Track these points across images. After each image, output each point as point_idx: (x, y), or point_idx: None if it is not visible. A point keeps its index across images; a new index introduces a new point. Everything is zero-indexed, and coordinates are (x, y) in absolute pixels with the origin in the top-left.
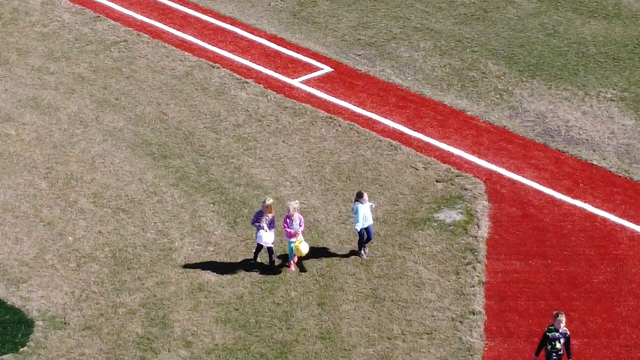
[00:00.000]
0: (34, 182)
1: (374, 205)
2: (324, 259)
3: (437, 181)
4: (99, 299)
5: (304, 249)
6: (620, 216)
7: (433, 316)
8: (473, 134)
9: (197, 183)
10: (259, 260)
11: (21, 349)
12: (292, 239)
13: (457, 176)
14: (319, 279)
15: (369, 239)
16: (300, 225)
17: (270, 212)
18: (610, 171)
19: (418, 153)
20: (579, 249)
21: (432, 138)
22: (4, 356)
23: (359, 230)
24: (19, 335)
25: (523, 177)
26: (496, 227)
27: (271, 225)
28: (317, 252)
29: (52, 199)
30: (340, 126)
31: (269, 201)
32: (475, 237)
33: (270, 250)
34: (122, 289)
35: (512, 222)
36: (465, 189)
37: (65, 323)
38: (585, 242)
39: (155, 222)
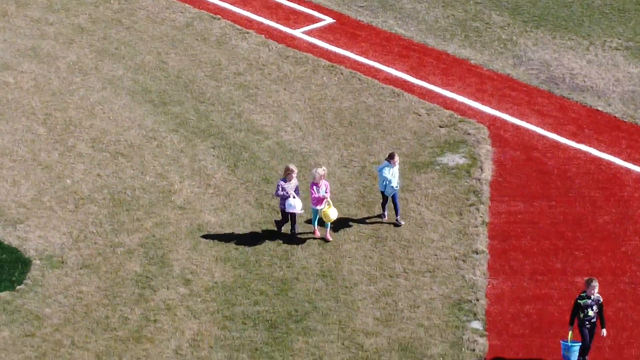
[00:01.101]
0: (32, 128)
1: (398, 187)
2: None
3: (440, 126)
4: (97, 239)
5: (333, 214)
6: (626, 159)
7: (435, 255)
8: (476, 81)
9: (197, 128)
10: (282, 230)
11: (18, 287)
12: (318, 206)
13: (460, 121)
14: (320, 220)
15: (394, 204)
16: (326, 192)
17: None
18: (615, 117)
19: (421, 100)
20: (584, 191)
21: (435, 85)
22: (0, 294)
23: (381, 190)
24: (16, 273)
25: (527, 122)
26: (500, 170)
27: (297, 192)
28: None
29: (50, 144)
30: (342, 74)
31: (324, 171)
32: (479, 179)
33: (295, 218)
34: (120, 229)
35: (516, 166)
36: (469, 134)
37: (62, 262)
38: (590, 184)
39: (154, 166)
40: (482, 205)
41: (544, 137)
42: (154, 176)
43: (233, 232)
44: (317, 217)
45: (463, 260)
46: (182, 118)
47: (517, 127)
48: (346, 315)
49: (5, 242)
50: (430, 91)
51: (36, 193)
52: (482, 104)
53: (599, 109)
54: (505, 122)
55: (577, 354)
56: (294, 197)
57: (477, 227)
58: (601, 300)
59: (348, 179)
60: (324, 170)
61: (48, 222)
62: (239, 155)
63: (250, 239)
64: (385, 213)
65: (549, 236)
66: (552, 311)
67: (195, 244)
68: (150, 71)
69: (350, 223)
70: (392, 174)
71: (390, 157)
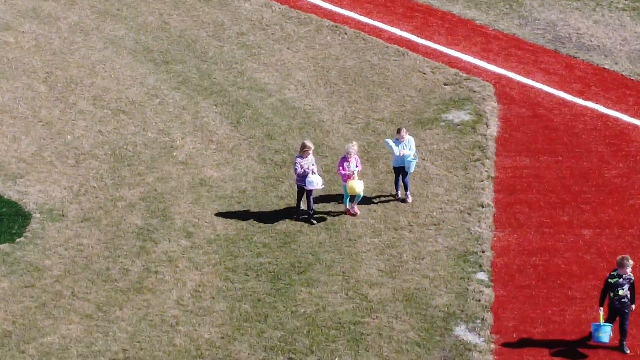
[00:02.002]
0: (33, 86)
1: (415, 158)
2: (329, 157)
3: (445, 84)
4: (97, 193)
5: (359, 187)
6: (633, 116)
7: (441, 208)
8: (482, 41)
9: (200, 86)
10: (302, 207)
11: (17, 239)
12: (348, 183)
13: (465, 79)
14: (324, 175)
15: (404, 181)
16: (357, 166)
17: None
18: (622, 75)
19: (425, 59)
20: (591, 146)
21: (440, 45)
22: (0, 245)
23: (393, 166)
24: (16, 226)
25: (533, 80)
26: (505, 127)
27: (314, 166)
28: (322, 150)
29: (50, 101)
30: (346, 34)
31: (355, 146)
32: (484, 135)
33: (311, 196)
34: (121, 184)
35: (522, 122)
36: (474, 91)
37: (62, 215)
38: (597, 140)
39: (156, 122)
40: (487, 160)
41: (550, 94)
42: (155, 132)
43: (236, 187)
44: (349, 194)
45: (468, 214)
46: (184, 76)
47: (523, 85)
48: (350, 267)
49: (5, 196)
50: (435, 50)
51: (36, 149)
52: (488, 63)
53: (606, 67)
54: (511, 80)
55: (609, 334)
56: (313, 173)
57: (482, 181)
58: (633, 279)
59: (352, 135)
60: (355, 145)
61: (48, 176)
62: (241, 112)
63: (253, 193)
64: (399, 192)
65: (555, 190)
66: (559, 263)
67: (198, 198)
68: (152, 31)
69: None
70: (406, 148)
71: (397, 132)
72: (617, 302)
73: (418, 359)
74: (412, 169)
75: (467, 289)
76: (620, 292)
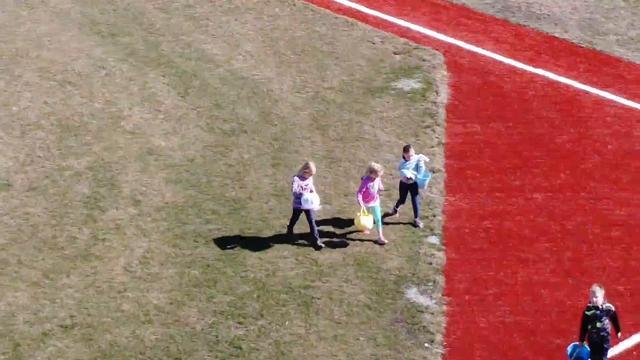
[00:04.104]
0: None
1: (426, 160)
2: (278, 125)
3: (394, 53)
4: (44, 163)
5: (369, 223)
6: (584, 82)
7: (391, 174)
8: (431, 10)
9: (147, 58)
10: (321, 244)
11: None
12: (371, 203)
13: (415, 48)
14: (273, 143)
15: (413, 203)
16: (380, 189)
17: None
18: (572, 42)
19: (375, 29)
20: (542, 113)
21: (389, 15)
22: None
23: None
24: None
25: (483, 49)
26: (456, 94)
27: (312, 189)
28: (270, 118)
29: None
30: (294, 5)
31: (376, 166)
32: (435, 102)
33: (311, 217)
34: (68, 153)
35: (472, 90)
36: (424, 60)
37: (8, 185)
38: (548, 106)
39: (103, 93)
40: (438, 127)
41: (500, 62)
42: (102, 103)
43: (184, 155)
44: (378, 217)
45: None
46: (131, 48)
47: (473, 54)
48: (300, 232)
49: None
50: (385, 20)
51: None
52: (437, 32)
53: (556, 35)
54: (460, 49)
55: None
56: (310, 192)
57: (433, 147)
58: (613, 309)
59: (301, 104)
60: (381, 166)
61: None
62: (189, 82)
63: (202, 162)
64: (398, 210)
65: (506, 155)
66: (510, 226)
67: (145, 167)
68: (98, 4)
69: (304, 144)
70: (411, 168)
71: (405, 150)
72: (595, 336)
73: (369, 322)
74: (425, 186)
75: (419, 253)
76: (598, 325)
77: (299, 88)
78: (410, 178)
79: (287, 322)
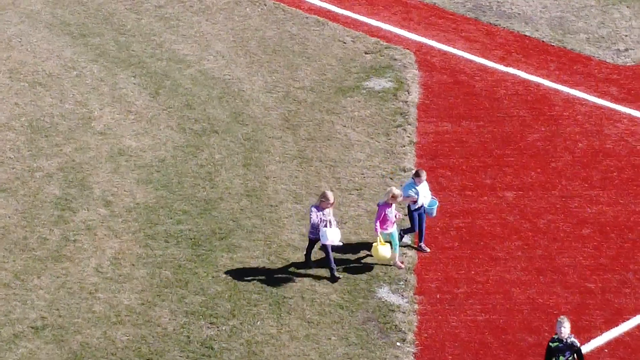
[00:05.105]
0: None
1: (400, 216)
2: (249, 124)
3: (365, 53)
4: (14, 164)
5: (387, 252)
6: (555, 81)
7: (362, 174)
8: (402, 10)
9: (118, 59)
10: (339, 275)
11: None
12: (389, 229)
13: (386, 48)
14: (244, 143)
15: (420, 227)
16: (396, 217)
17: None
18: (543, 41)
19: (346, 28)
20: (513, 111)
21: (360, 15)
22: None
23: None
24: None
25: (454, 48)
26: (427, 93)
27: (332, 221)
28: (241, 118)
29: None
30: (265, 5)
31: (397, 191)
32: (406, 102)
33: (329, 249)
34: (39, 154)
35: (443, 89)
36: (395, 59)
37: None
38: (518, 104)
39: (73, 94)
40: (409, 126)
41: (471, 61)
42: (73, 104)
43: (155, 156)
44: (395, 242)
45: (390, 178)
46: (101, 49)
47: (444, 53)
48: (272, 232)
49: None
50: (356, 20)
51: None
52: (409, 32)
53: (527, 34)
54: (432, 48)
55: None
56: (328, 227)
57: (404, 146)
58: (577, 344)
59: (272, 104)
60: (399, 191)
61: None
62: (160, 83)
63: (173, 162)
64: (423, 244)
65: (477, 154)
66: (482, 224)
67: (116, 168)
68: (68, 5)
69: (275, 144)
70: (422, 194)
71: (416, 175)
72: None
73: (341, 321)
74: (434, 213)
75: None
76: (562, 359)
77: (270, 88)
78: (415, 201)
79: (258, 322)
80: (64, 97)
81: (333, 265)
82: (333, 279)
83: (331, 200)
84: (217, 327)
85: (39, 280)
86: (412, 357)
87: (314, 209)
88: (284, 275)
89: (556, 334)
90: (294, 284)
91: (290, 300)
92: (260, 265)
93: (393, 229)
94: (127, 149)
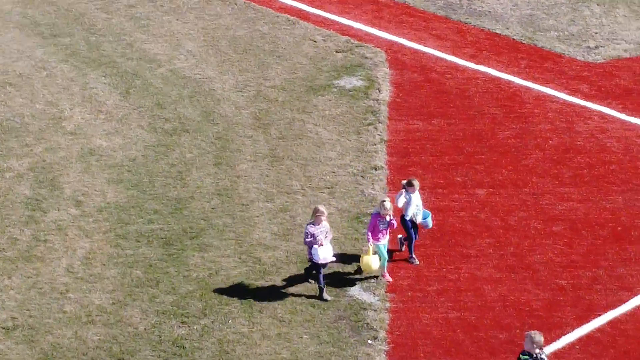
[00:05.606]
0: None
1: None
2: (220, 124)
3: (336, 51)
4: None
5: (375, 263)
6: (525, 78)
7: (334, 172)
8: (373, 9)
9: (88, 58)
10: (328, 297)
11: None
12: (381, 240)
13: (357, 46)
14: (215, 142)
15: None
16: (389, 226)
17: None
18: (513, 39)
19: (317, 27)
20: (484, 109)
21: (331, 13)
22: None
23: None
24: None
25: (425, 46)
26: (398, 92)
27: (328, 235)
28: (212, 117)
29: None
30: (236, 4)
31: (389, 204)
32: (377, 100)
33: (321, 268)
34: (9, 155)
35: (414, 87)
36: (366, 58)
37: None
38: (489, 102)
39: (44, 94)
40: (380, 124)
41: (442, 59)
42: (43, 104)
43: (126, 155)
44: (384, 255)
45: (362, 177)
46: (72, 49)
47: (415, 51)
48: (243, 231)
49: None
50: (326, 19)
51: None
52: (380, 30)
53: (497, 32)
54: (402, 46)
55: None
56: (321, 245)
57: (375, 145)
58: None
59: (243, 103)
60: (391, 204)
61: None
62: (131, 82)
63: (144, 161)
64: (414, 256)
65: (448, 152)
66: (453, 222)
67: (87, 167)
68: (39, 5)
69: (246, 143)
70: (414, 204)
71: (409, 184)
72: None
73: (313, 320)
74: (429, 225)
75: (362, 250)
76: None
77: (241, 87)
78: (405, 211)
79: (230, 321)
80: (34, 97)
81: (322, 284)
82: (321, 299)
83: (325, 211)
84: (189, 327)
85: (9, 280)
86: (384, 355)
87: (309, 227)
88: (255, 274)
89: (525, 347)
90: (266, 282)
91: (262, 299)
92: (231, 264)
93: (384, 241)
94: (97, 149)
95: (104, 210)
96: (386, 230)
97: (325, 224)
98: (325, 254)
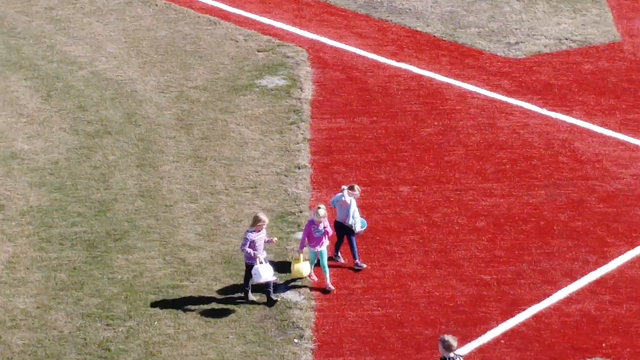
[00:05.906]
0: None
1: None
2: (143, 125)
3: (258, 51)
4: None
5: (305, 270)
6: (447, 75)
7: (257, 172)
8: (294, 7)
9: (8, 62)
10: (253, 298)
11: None
12: (317, 247)
13: (278, 46)
14: (138, 143)
15: (351, 245)
16: (326, 234)
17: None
18: (434, 36)
19: (238, 27)
20: (406, 106)
21: (252, 13)
22: None
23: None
24: None
25: (346, 44)
26: (320, 90)
27: (263, 245)
28: (134, 119)
29: None
30: (156, 5)
31: (323, 211)
32: (299, 99)
33: (269, 287)
34: None
35: (337, 85)
36: (288, 57)
37: None
38: (411, 99)
39: None
40: (303, 123)
41: (363, 57)
42: None
43: (48, 158)
44: (314, 259)
45: (285, 175)
46: None
47: (337, 49)
48: (167, 232)
49: None
50: (248, 19)
51: None
52: (301, 29)
53: (418, 29)
54: (324, 45)
55: None
56: (261, 263)
57: (298, 143)
58: None
59: (166, 104)
60: (324, 210)
61: None
62: (52, 85)
63: (66, 164)
64: (339, 254)
65: (371, 149)
66: (377, 219)
67: (9, 171)
68: None
69: (169, 144)
70: (353, 208)
71: (350, 188)
72: None
73: (239, 319)
74: (358, 227)
75: (286, 249)
76: None
77: (163, 88)
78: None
79: (156, 323)
80: None
81: (270, 287)
82: (247, 299)
83: (266, 220)
84: (114, 329)
85: None
86: (310, 353)
87: (249, 234)
88: (180, 275)
89: (441, 353)
90: (191, 283)
91: (187, 300)
92: (156, 266)
93: (322, 248)
94: (19, 152)
95: (26, 213)
96: (322, 237)
97: (263, 232)
98: (266, 274)
